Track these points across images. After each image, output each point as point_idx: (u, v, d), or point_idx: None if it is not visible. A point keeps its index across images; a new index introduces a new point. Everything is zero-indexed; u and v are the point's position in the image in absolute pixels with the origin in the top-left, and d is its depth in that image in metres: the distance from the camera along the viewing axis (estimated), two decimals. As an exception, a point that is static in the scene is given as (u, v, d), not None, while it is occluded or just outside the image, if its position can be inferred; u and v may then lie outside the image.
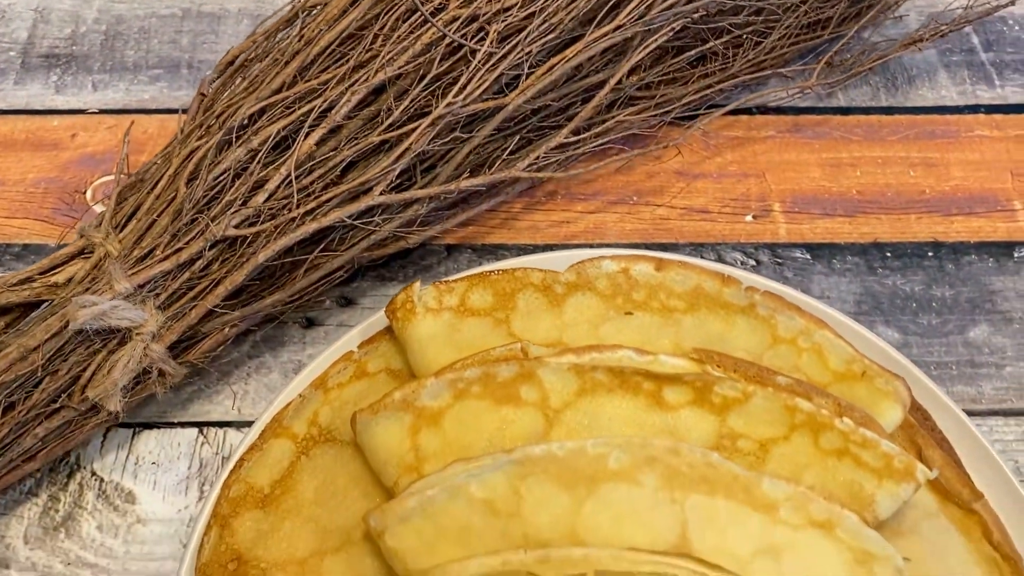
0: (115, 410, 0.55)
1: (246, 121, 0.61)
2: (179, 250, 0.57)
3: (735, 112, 0.77)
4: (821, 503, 0.49)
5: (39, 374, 0.54)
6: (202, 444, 0.61)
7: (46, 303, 0.58)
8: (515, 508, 0.48)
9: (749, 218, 0.72)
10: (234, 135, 0.60)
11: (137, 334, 0.55)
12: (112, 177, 0.73)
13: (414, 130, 0.59)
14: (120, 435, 0.61)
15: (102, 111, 0.77)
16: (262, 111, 0.61)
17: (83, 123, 0.76)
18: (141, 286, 0.56)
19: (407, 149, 0.59)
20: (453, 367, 0.54)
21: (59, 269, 0.59)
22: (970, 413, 0.60)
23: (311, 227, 0.58)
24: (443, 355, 0.57)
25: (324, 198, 0.58)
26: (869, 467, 0.51)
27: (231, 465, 0.55)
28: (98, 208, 0.71)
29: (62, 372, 0.54)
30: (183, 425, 0.62)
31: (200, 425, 0.62)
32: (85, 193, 0.72)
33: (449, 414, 0.53)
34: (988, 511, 0.55)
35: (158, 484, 0.60)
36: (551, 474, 0.49)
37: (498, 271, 0.60)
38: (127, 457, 0.60)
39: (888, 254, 0.71)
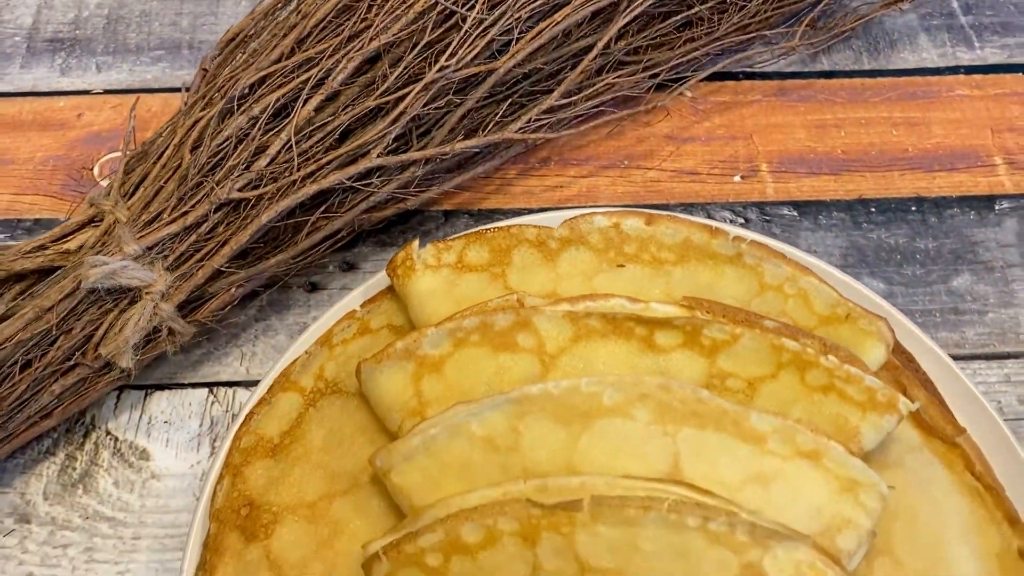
0: (127, 367, 0.57)
1: (247, 91, 0.63)
2: (185, 213, 0.59)
3: (722, 78, 0.79)
4: (807, 435, 0.51)
5: (54, 333, 0.56)
6: (212, 403, 0.63)
7: (59, 270, 0.60)
8: (514, 444, 0.51)
9: (737, 178, 0.75)
10: (235, 104, 0.63)
11: (147, 293, 0.57)
12: (119, 153, 0.75)
13: (409, 94, 0.61)
14: (133, 396, 0.63)
15: (107, 91, 0.79)
16: (262, 80, 0.63)
17: (88, 103, 0.78)
18: (150, 248, 0.58)
19: (402, 112, 0.61)
20: (452, 318, 0.56)
21: (71, 237, 0.61)
22: (954, 358, 0.62)
23: (311, 189, 0.60)
24: (442, 309, 0.59)
25: (323, 161, 0.60)
26: (853, 401, 0.53)
27: (241, 419, 0.57)
28: (105, 183, 0.73)
29: (76, 331, 0.56)
30: (193, 386, 0.64)
31: (210, 385, 0.64)
32: (92, 169, 0.74)
33: (449, 362, 0.55)
34: (970, 445, 0.57)
35: (171, 441, 0.62)
36: (548, 411, 0.51)
37: (494, 228, 0.63)
38: (140, 417, 0.63)
39: (872, 209, 0.73)
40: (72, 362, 0.56)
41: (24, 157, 0.75)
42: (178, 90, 0.79)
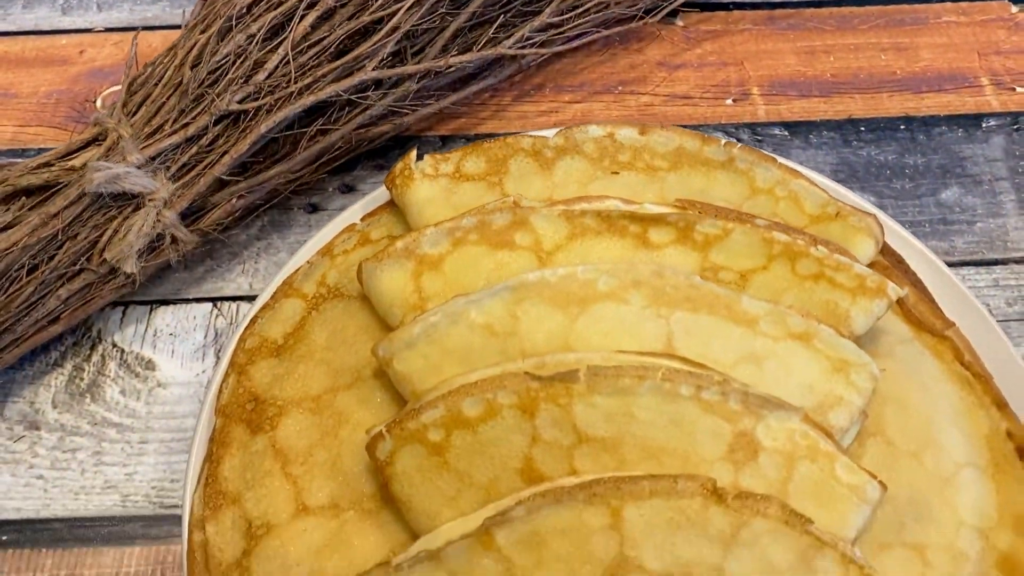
0: (132, 272, 0.58)
1: (244, 11, 0.64)
2: (186, 125, 0.60)
3: (712, 8, 0.81)
4: (798, 317, 0.52)
5: (60, 239, 0.57)
6: (216, 316, 0.65)
7: (64, 185, 0.61)
8: (512, 328, 0.52)
9: (729, 101, 0.76)
10: (233, 23, 0.64)
11: (150, 200, 0.58)
12: (120, 87, 0.76)
13: (401, 9, 0.63)
14: (138, 311, 0.65)
15: (108, 29, 0.81)
16: (259, 0, 0.65)
17: (90, 40, 0.80)
18: (152, 159, 0.59)
19: (396, 27, 0.62)
20: (451, 219, 0.57)
21: (76, 154, 0.62)
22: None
23: (308, 100, 0.61)
24: (440, 215, 0.60)
25: (320, 73, 0.62)
26: (844, 287, 0.54)
27: (245, 323, 0.59)
28: (107, 114, 0.74)
29: (81, 237, 0.58)
30: (198, 300, 0.65)
31: (214, 300, 0.65)
32: (95, 102, 0.75)
33: (449, 260, 0.56)
34: (959, 337, 0.58)
35: (176, 352, 0.63)
36: (544, 297, 0.52)
37: (490, 140, 0.64)
38: (145, 330, 0.64)
39: (862, 128, 0.74)
40: (78, 267, 0.58)
41: (28, 91, 0.76)
42: (178, 27, 0.80)
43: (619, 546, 0.44)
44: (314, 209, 0.70)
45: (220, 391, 0.56)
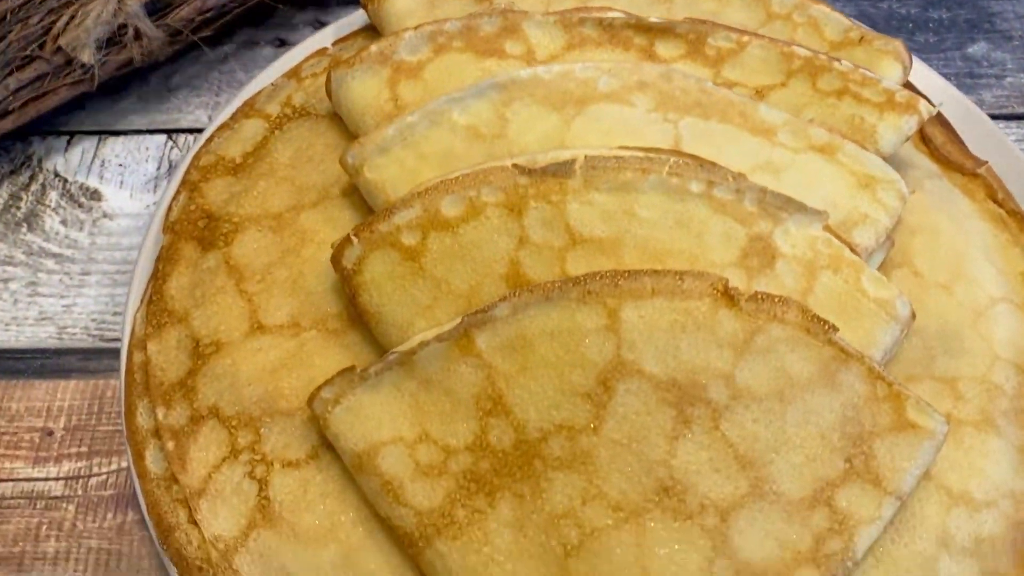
0: (89, 63, 0.52)
1: None
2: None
3: None
4: (820, 130, 0.47)
5: (8, 21, 0.50)
6: (171, 148, 0.58)
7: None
8: (500, 131, 0.46)
9: (740, -49, 0.70)
10: None
11: (103, -7, 0.52)
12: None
13: None
14: (85, 142, 0.58)
15: None
16: None
17: None
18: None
19: None
20: (433, 22, 0.51)
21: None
22: (971, 115, 0.57)
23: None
24: (422, 30, 0.54)
25: None
26: (870, 103, 0.49)
27: (201, 143, 0.52)
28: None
29: (33, 21, 0.51)
30: (151, 132, 0.59)
31: (169, 132, 0.59)
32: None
33: (429, 67, 0.50)
34: (992, 175, 0.53)
35: (125, 183, 0.57)
36: (537, 97, 0.46)
37: (479, -43, 0.58)
38: (92, 160, 0.57)
39: (884, -18, 0.68)
40: (28, 54, 0.51)
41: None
42: None
43: (616, 348, 0.38)
44: (282, 43, 0.64)
45: (170, 209, 0.50)
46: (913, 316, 0.43)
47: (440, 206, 0.42)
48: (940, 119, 0.56)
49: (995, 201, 0.52)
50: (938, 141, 0.55)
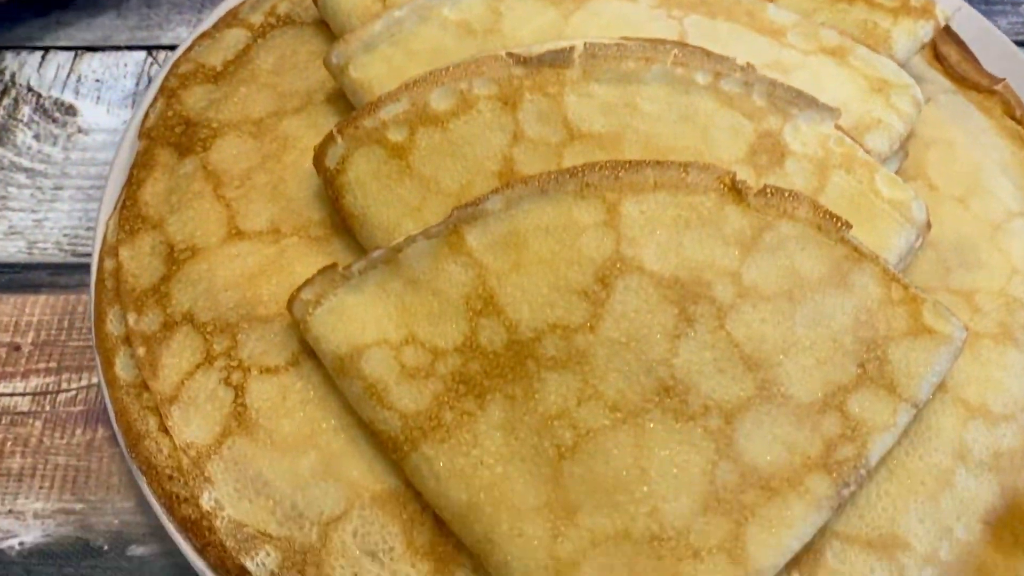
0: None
1: None
2: None
3: None
4: (832, 32, 0.44)
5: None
6: (151, 65, 0.56)
7: None
8: (493, 26, 0.43)
9: None
10: None
11: None
12: None
13: None
14: (60, 57, 0.56)
15: None
16: None
17: None
18: None
19: None
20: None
21: None
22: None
23: None
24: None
25: None
26: (884, 7, 0.47)
27: (180, 51, 0.50)
28: None
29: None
30: (130, 48, 0.56)
31: (149, 48, 0.56)
32: None
33: (421, -32, 0.48)
34: (1010, 91, 0.51)
35: (102, 99, 0.54)
36: (533, -7, 0.44)
37: None
38: (68, 76, 0.55)
39: (895, -91, 0.66)
40: None
41: None
42: None
43: (615, 245, 0.36)
44: (270, -38, 0.61)
45: (146, 116, 0.47)
46: (929, 223, 0.41)
47: (429, 99, 0.40)
48: (954, 38, 0.53)
49: (1013, 118, 0.50)
50: (953, 59, 0.52)
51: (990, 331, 0.41)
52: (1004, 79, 0.51)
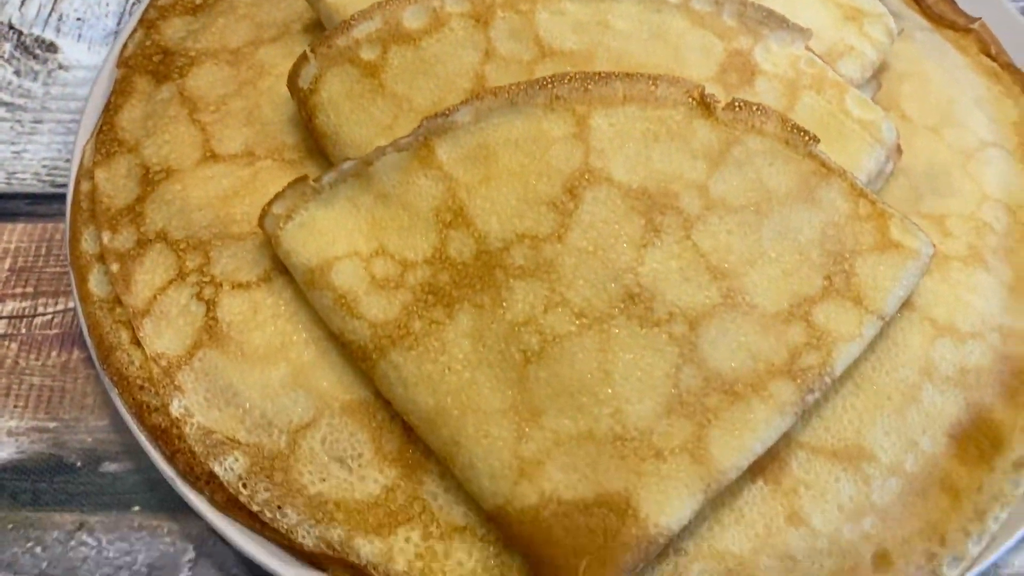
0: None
1: None
2: None
3: None
4: (805, -39, 0.45)
5: None
6: (133, 4, 0.56)
7: None
8: (469, -50, 0.43)
9: None
10: None
11: None
12: None
13: None
14: (42, -5, 0.56)
15: None
16: None
17: None
18: None
19: None
20: None
21: None
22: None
23: None
24: None
25: None
26: (859, -60, 0.47)
27: (161, -13, 0.50)
28: None
29: None
30: (113, -12, 0.57)
31: (133, -11, 0.57)
32: None
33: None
34: (986, 30, 0.51)
35: (83, 37, 0.54)
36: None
37: None
38: (50, 14, 0.55)
39: None
40: None
41: None
42: None
43: (584, 156, 0.36)
44: (253, -92, 0.61)
45: (125, 46, 0.47)
46: (900, 146, 0.41)
47: (402, 18, 0.40)
48: (931, -20, 0.54)
49: (988, 55, 0.50)
50: (930, 0, 0.52)
51: (960, 253, 0.41)
52: (980, 19, 0.51)
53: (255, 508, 0.35)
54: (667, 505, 0.33)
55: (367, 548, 0.34)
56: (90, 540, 0.39)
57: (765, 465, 0.36)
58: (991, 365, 0.39)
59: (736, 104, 0.37)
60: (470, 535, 0.34)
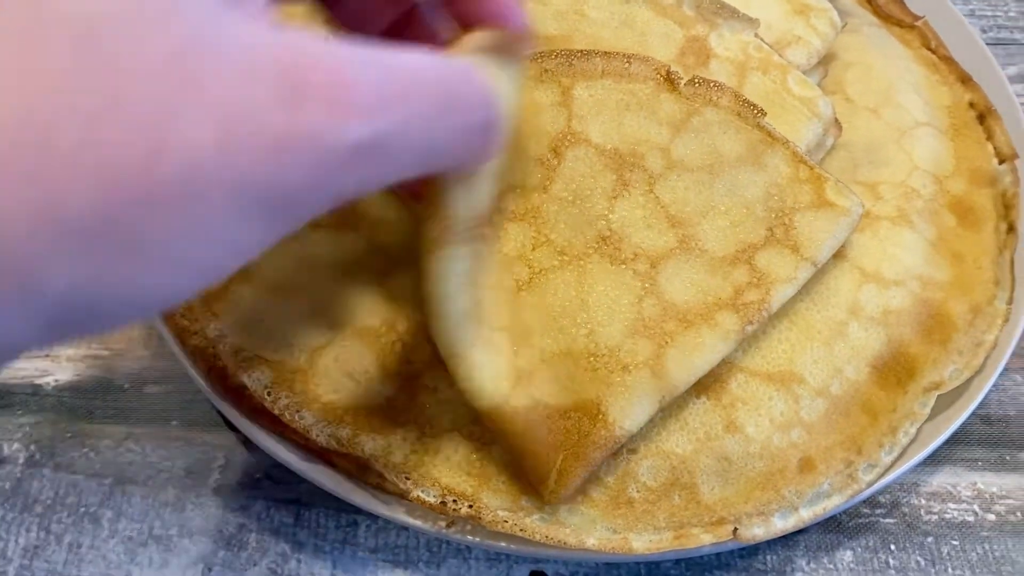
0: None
1: None
2: None
3: None
4: (760, -40, 0.51)
5: None
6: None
7: None
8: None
9: None
10: None
11: None
12: None
13: None
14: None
15: None
16: None
17: None
18: None
19: None
20: None
21: None
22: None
23: None
24: None
25: None
26: (811, -57, 0.53)
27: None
28: None
29: None
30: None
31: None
32: None
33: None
34: (928, 27, 0.57)
35: None
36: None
37: None
38: None
39: None
40: None
41: None
42: None
43: (567, 121, 0.43)
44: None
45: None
46: (837, 120, 0.48)
47: (411, 5, 0.47)
48: (882, -18, 0.60)
49: (929, 49, 0.57)
50: (881, 0, 0.59)
51: (889, 214, 0.48)
52: (923, 17, 0.58)
53: (277, 411, 0.41)
54: (630, 411, 0.39)
55: (370, 444, 0.41)
56: (136, 448, 0.46)
57: (708, 384, 0.42)
58: (911, 308, 0.45)
59: (696, 80, 0.43)
60: (456, 435, 0.41)
